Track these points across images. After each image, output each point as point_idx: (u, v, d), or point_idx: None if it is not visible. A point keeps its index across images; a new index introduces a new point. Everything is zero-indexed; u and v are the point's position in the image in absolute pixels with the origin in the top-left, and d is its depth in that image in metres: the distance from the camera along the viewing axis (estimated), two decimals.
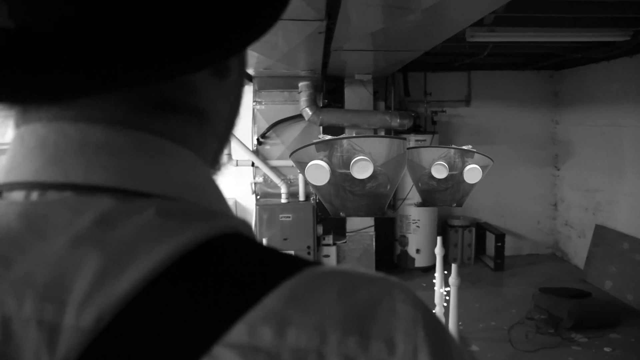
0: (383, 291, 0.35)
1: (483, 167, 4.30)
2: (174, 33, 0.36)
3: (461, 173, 4.26)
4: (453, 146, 4.43)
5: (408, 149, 4.08)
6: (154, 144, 0.39)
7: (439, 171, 4.18)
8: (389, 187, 3.82)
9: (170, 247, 0.33)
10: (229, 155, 6.00)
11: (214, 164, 0.50)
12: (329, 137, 3.74)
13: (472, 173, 4.22)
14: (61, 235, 0.33)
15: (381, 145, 3.78)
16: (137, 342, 0.30)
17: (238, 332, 0.31)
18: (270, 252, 0.37)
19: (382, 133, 5.84)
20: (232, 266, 0.34)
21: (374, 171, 3.63)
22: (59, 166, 0.36)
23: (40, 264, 0.32)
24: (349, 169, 3.61)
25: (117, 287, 0.31)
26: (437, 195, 4.46)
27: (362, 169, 3.58)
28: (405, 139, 4.16)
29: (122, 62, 0.35)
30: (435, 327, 0.35)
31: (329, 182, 3.61)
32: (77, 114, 0.38)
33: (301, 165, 3.63)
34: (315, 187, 3.71)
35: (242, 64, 0.49)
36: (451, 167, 4.23)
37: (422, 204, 4.63)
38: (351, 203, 3.84)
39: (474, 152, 4.31)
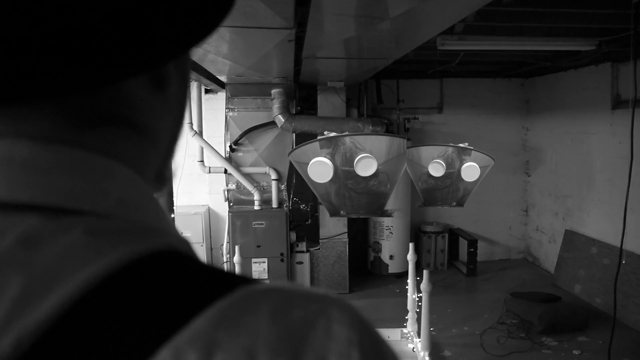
0: (319, 310, 0.33)
1: (483, 168, 4.32)
2: (100, 36, 0.34)
3: (459, 171, 4.27)
4: (451, 144, 4.44)
5: (408, 148, 4.08)
6: (85, 159, 0.37)
7: (436, 169, 4.18)
8: (388, 185, 3.81)
9: (97, 268, 0.32)
10: (202, 162, 5.96)
11: (159, 179, 0.47)
12: (333, 133, 3.71)
13: (470, 171, 4.23)
14: None
15: (382, 144, 3.77)
16: None
17: (162, 358, 0.29)
18: (206, 270, 0.35)
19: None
20: (162, 286, 0.32)
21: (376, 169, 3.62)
22: None
23: None
24: (352, 167, 3.58)
25: (38, 312, 0.30)
26: (438, 194, 4.46)
27: (366, 167, 3.56)
28: (405, 138, 4.15)
29: (45, 69, 0.33)
30: (372, 347, 0.34)
31: (330, 179, 3.58)
32: (2, 129, 0.36)
33: (300, 165, 3.59)
34: (314, 185, 3.66)
35: (184, 76, 0.46)
36: (449, 166, 4.24)
37: (424, 204, 4.64)
38: (351, 202, 3.81)
39: (471, 149, 4.32)
